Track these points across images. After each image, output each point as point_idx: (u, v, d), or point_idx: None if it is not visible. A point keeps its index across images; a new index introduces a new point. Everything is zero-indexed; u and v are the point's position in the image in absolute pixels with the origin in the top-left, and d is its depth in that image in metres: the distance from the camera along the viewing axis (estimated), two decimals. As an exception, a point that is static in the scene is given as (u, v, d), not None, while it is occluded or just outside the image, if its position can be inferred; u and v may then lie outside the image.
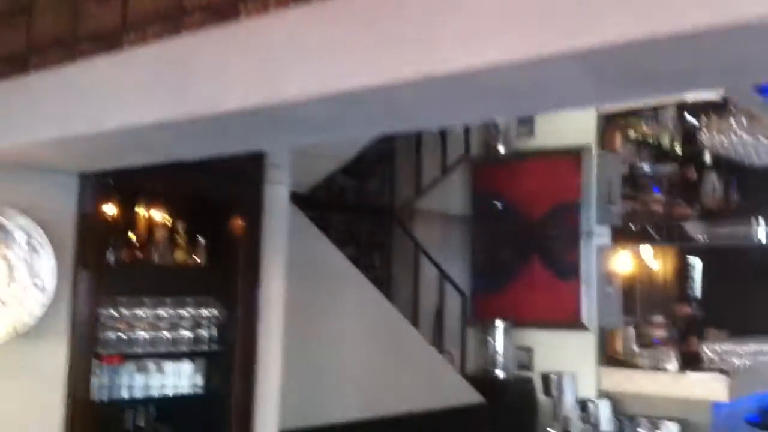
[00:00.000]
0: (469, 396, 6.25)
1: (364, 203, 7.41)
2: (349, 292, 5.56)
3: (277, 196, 4.40)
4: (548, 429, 5.28)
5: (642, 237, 7.93)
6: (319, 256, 5.36)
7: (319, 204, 6.36)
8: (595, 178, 7.46)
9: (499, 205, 7.55)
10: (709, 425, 6.73)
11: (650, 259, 11.31)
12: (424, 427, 5.67)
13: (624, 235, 7.67)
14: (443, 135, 7.48)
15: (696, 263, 12.61)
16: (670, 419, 6.63)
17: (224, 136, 2.77)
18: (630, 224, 7.87)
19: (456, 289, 7.19)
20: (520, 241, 7.73)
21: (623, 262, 11.09)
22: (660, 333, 10.88)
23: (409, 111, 2.08)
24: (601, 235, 7.43)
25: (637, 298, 11.51)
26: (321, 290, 5.24)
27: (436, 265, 7.13)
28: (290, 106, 2.14)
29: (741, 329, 9.82)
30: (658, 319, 11.14)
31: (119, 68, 2.77)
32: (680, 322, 10.56)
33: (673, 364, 7.04)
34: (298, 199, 5.03)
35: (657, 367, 7.10)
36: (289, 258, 4.44)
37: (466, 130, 7.51)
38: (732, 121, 7.26)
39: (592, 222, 7.43)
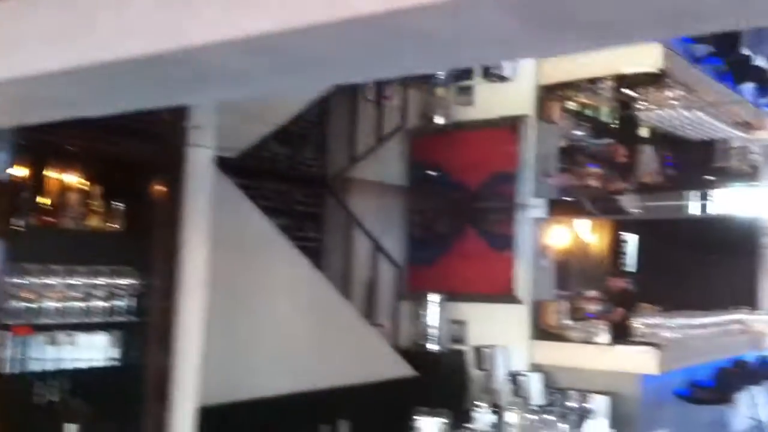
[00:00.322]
0: (401, 369, 6.16)
1: (297, 172, 7.20)
2: (279, 264, 5.38)
3: (200, 160, 4.19)
4: (476, 402, 5.20)
5: (577, 210, 7.91)
6: (247, 225, 5.16)
7: (249, 171, 6.14)
8: (532, 150, 7.38)
9: (434, 173, 7.43)
10: (639, 397, 6.77)
11: (586, 234, 11.39)
12: (354, 401, 5.55)
13: (560, 208, 7.63)
14: (379, 104, 7.31)
15: (631, 238, 12.77)
16: (600, 392, 6.64)
17: (133, 87, 2.57)
18: (566, 197, 7.84)
19: (390, 260, 7.07)
20: (455, 212, 7.64)
21: (559, 235, 11.15)
22: (594, 307, 10.99)
23: (324, 60, 1.90)
24: (537, 207, 7.37)
25: (572, 272, 11.59)
26: (249, 261, 5.05)
27: (370, 236, 6.99)
28: (195, 52, 1.95)
29: (674, 303, 9.97)
30: (593, 293, 11.25)
31: (21, 15, 2.55)
32: (614, 297, 10.67)
33: (604, 338, 7.05)
34: (225, 165, 4.81)
35: (589, 341, 7.10)
36: (214, 226, 4.24)
37: (404, 99, 7.35)
38: (669, 93, 7.25)
39: (528, 194, 7.37)
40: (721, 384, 7.24)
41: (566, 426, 5.21)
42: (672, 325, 7.24)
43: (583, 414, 5.40)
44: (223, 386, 4.60)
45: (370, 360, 5.85)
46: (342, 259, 7.02)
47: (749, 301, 11.00)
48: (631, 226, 12.61)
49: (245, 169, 5.96)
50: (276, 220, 5.69)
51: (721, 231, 11.71)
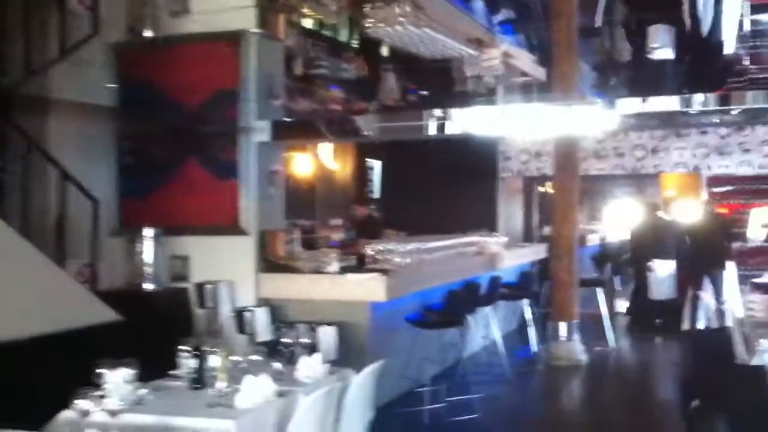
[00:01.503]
0: (100, 314, 5.38)
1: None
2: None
3: None
4: (181, 348, 4.60)
5: (309, 133, 7.41)
6: None
7: None
8: (255, 68, 6.74)
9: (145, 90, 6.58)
10: (367, 326, 6.51)
11: (329, 160, 11.06)
12: (39, 354, 4.74)
13: (288, 130, 7.09)
14: (62, 12, 6.26)
15: (377, 165, 12.66)
16: (330, 323, 6.29)
17: None
18: (295, 119, 7.32)
19: (85, 194, 6.18)
20: (173, 137, 6.88)
21: (296, 161, 10.74)
22: (338, 235, 10.75)
23: None
24: (262, 130, 6.78)
25: (316, 200, 11.29)
26: None
27: (58, 165, 6.04)
28: None
29: (420, 228, 9.94)
30: (337, 221, 11.00)
31: None
32: (358, 224, 10.47)
33: (334, 267, 6.69)
34: None
35: (319, 271, 6.72)
36: None
37: (94, 2, 6.36)
38: (397, 10, 6.89)
39: (253, 116, 6.75)
40: (452, 307, 7.19)
41: (279, 364, 4.77)
42: (403, 250, 7.02)
43: (302, 348, 4.99)
44: None
45: (57, 306, 5.02)
46: (23, 193, 6.02)
47: (490, 224, 11.29)
48: (377, 152, 12.51)
49: None
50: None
51: (464, 156, 11.88)
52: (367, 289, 6.44)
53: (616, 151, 11.75)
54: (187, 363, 4.50)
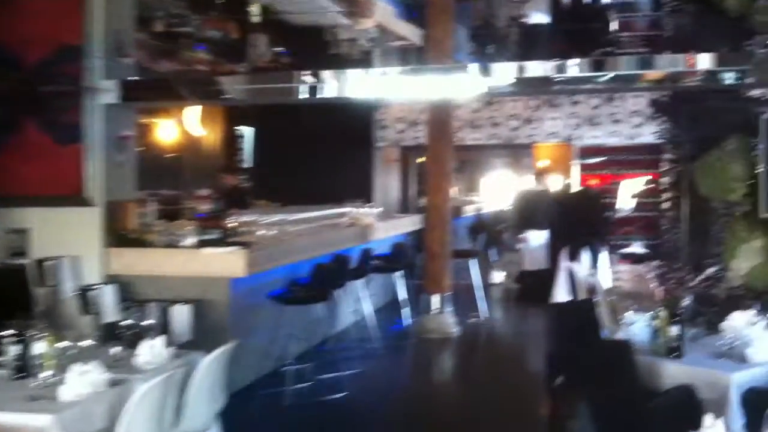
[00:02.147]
0: None
1: None
2: None
3: None
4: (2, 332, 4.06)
5: (167, 94, 6.83)
6: None
7: None
8: (102, 22, 6.13)
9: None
10: (227, 303, 6.09)
11: (195, 126, 10.46)
12: None
13: (141, 91, 6.49)
14: None
15: (247, 132, 12.13)
16: (186, 301, 5.84)
17: None
18: (149, 79, 6.74)
19: None
20: (10, 96, 6.19)
21: (164, 129, 10.11)
22: (205, 206, 10.19)
23: None
24: (110, 91, 6.18)
25: (183, 169, 10.68)
26: None
27: None
28: None
29: (293, 199, 9.55)
30: (205, 191, 10.43)
31: None
32: (226, 194, 9.95)
33: (190, 240, 6.21)
34: None
35: (175, 245, 6.23)
36: None
37: None
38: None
39: (99, 75, 6.14)
40: (320, 281, 6.84)
41: (118, 348, 4.31)
42: (267, 222, 6.62)
43: (146, 330, 4.54)
44: None
45: None
46: None
47: (366, 195, 11.02)
48: (248, 118, 11.97)
49: None
50: None
51: (339, 125, 11.53)
52: (225, 263, 6.01)
53: (492, 120, 11.67)
54: (10, 349, 3.98)
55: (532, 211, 11.00)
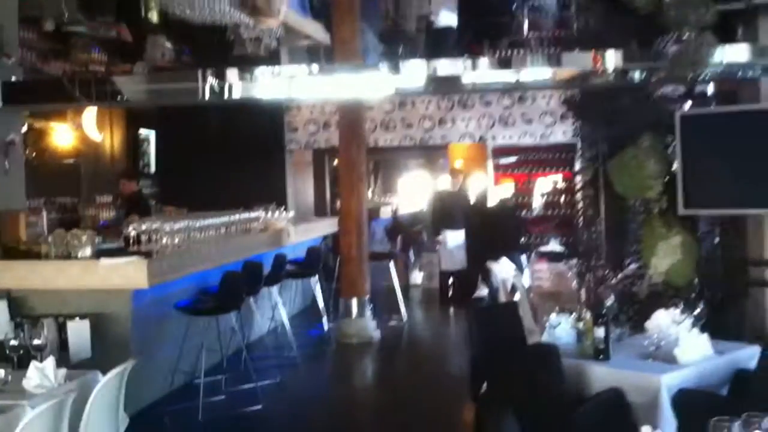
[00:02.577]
0: None
1: None
2: None
3: None
4: None
5: (56, 96, 6.37)
6: None
7: None
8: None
9: None
10: (129, 316, 5.69)
11: (92, 130, 9.90)
12: None
13: (28, 94, 6.03)
14: None
15: (150, 135, 11.60)
16: (84, 315, 5.41)
17: None
18: (34, 80, 6.27)
19: None
20: None
21: (60, 133, 9.55)
22: (107, 214, 9.68)
23: None
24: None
25: (81, 175, 10.12)
26: None
27: None
28: None
29: (203, 205, 9.11)
30: (106, 198, 9.90)
31: None
32: (126, 201, 9.44)
33: (86, 251, 5.78)
34: None
35: (70, 256, 5.79)
36: None
37: None
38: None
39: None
40: (230, 289, 6.47)
41: (2, 371, 3.90)
42: (171, 229, 6.24)
43: (36, 349, 4.13)
44: None
45: None
46: None
47: (279, 199, 10.65)
48: (151, 121, 11.46)
49: None
50: None
51: (247, 127, 11.15)
52: (125, 274, 5.60)
53: (405, 122, 11.50)
54: None
55: (448, 211, 10.92)
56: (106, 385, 3.85)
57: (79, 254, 5.79)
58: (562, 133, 11.23)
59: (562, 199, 11.74)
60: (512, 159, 11.81)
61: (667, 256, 5.30)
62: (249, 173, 11.18)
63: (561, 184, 11.73)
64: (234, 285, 6.45)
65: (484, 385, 4.08)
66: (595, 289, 5.39)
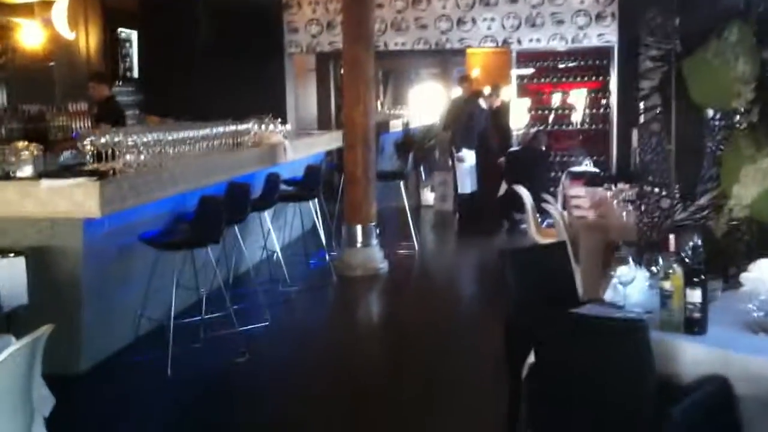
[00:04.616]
0: None
1: None
2: None
3: None
4: None
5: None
6: None
7: None
8: None
9: None
10: (79, 251, 4.63)
11: (64, 28, 8.68)
12: None
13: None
14: None
15: (132, 36, 10.34)
16: (19, 251, 4.36)
17: None
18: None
19: None
20: None
21: (27, 31, 8.40)
22: (81, 124, 8.58)
23: None
24: None
25: (53, 80, 8.99)
26: None
27: None
28: None
29: (193, 114, 8.08)
30: (81, 106, 8.77)
31: None
32: (97, 109, 8.30)
33: (26, 170, 4.68)
34: None
35: (7, 176, 4.69)
36: None
37: None
38: None
39: None
40: (209, 217, 5.38)
41: None
42: (137, 143, 5.11)
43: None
44: None
45: None
46: None
47: (277, 109, 9.48)
48: (133, 20, 10.17)
49: None
50: None
51: (241, 28, 9.91)
52: (74, 200, 4.49)
53: (418, 22, 10.21)
54: None
55: (467, 125, 9.80)
56: (10, 361, 2.79)
57: (18, 173, 4.69)
58: (597, 36, 9.95)
59: (593, 111, 10.60)
60: (534, 67, 10.61)
61: (754, 184, 4.14)
62: (244, 80, 9.99)
63: (592, 95, 10.59)
64: (213, 212, 5.33)
65: (529, 358, 3.00)
66: (660, 224, 4.27)
